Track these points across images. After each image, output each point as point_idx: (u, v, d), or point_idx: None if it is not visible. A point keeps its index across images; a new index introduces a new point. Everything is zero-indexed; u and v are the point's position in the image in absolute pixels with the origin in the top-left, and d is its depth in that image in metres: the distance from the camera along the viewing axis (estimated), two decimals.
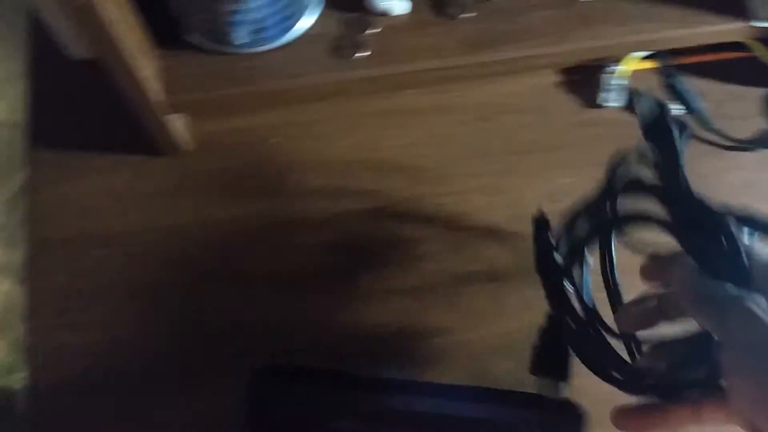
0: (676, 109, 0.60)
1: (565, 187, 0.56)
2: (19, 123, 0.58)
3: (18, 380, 0.49)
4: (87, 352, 0.50)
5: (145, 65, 0.48)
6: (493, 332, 0.51)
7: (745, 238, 0.28)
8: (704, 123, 0.60)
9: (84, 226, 0.54)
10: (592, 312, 0.30)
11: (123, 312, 0.51)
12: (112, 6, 0.42)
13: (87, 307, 0.51)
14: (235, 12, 0.48)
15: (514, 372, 0.47)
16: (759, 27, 0.54)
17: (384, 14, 0.54)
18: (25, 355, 0.50)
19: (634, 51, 0.59)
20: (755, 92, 0.63)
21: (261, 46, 0.51)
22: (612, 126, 0.60)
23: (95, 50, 0.44)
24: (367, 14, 0.53)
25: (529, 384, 0.43)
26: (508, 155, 0.58)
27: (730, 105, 0.62)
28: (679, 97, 0.61)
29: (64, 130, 0.57)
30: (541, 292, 0.41)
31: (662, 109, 0.30)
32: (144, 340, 0.50)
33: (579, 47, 0.53)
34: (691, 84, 0.61)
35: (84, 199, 0.55)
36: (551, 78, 0.62)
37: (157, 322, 0.51)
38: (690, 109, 0.60)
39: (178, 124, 0.54)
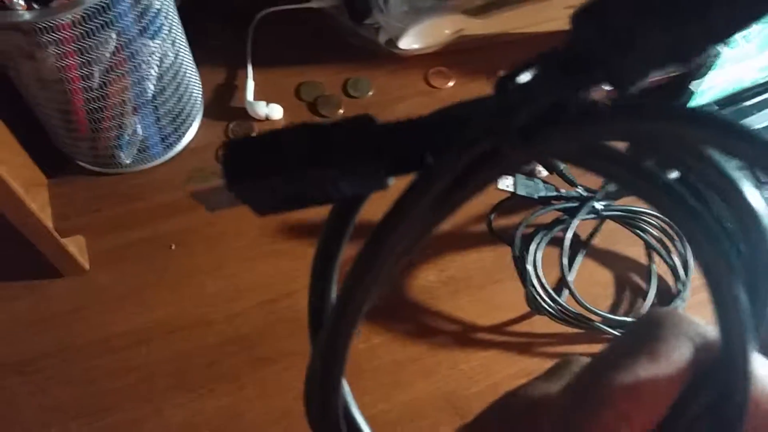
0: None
1: None
2: None
3: None
4: None
5: (35, 196, 0.50)
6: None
7: None
8: (568, 181, 0.64)
9: None
10: None
11: None
12: None
13: None
14: (117, 137, 0.51)
15: None
16: None
17: (264, 119, 0.58)
18: None
19: None
20: (619, 146, 0.69)
21: (147, 163, 0.54)
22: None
23: None
24: (246, 120, 0.57)
25: None
26: None
27: None
28: None
29: None
30: None
31: None
32: None
33: None
34: None
35: None
36: None
37: None
38: (553, 168, 0.63)
39: (75, 245, 0.56)
